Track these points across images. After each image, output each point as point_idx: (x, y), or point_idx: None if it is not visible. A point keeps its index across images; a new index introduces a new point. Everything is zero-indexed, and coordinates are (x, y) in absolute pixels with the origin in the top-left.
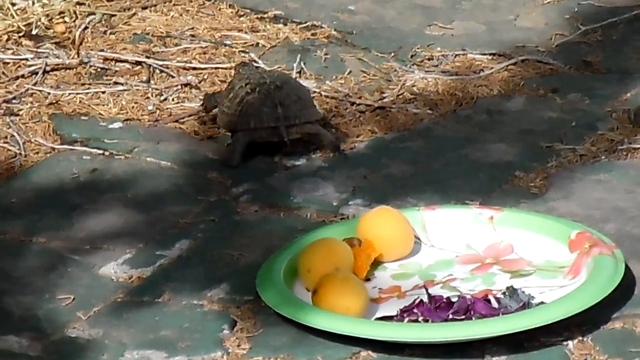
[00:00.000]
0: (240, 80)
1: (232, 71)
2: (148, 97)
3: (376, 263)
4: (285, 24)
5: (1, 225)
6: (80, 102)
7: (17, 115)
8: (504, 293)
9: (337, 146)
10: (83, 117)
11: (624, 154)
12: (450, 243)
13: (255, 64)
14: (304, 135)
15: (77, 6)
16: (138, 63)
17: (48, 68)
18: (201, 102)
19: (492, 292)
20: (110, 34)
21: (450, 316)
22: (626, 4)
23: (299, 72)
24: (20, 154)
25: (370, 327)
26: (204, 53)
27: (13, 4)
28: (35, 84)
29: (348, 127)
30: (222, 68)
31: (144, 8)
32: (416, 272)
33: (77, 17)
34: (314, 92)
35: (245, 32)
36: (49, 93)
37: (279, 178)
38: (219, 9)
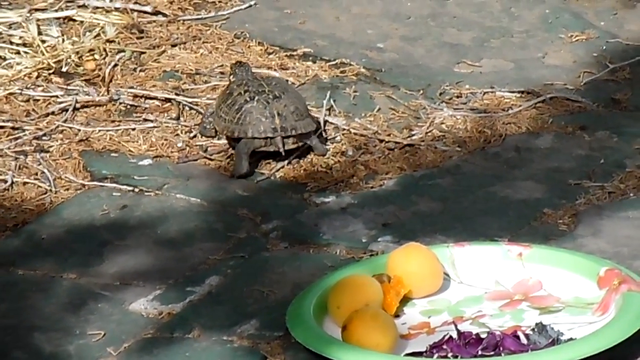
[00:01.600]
0: (239, 87)
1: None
2: (178, 134)
3: (405, 299)
4: (314, 62)
5: (32, 261)
6: (110, 139)
7: (48, 152)
8: (533, 329)
9: (324, 155)
10: (113, 154)
11: None
12: (479, 279)
13: (251, 66)
14: (300, 145)
15: (107, 44)
16: (168, 100)
17: (78, 105)
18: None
19: (521, 328)
20: (140, 71)
21: (480, 352)
22: None
23: (328, 110)
24: (50, 190)
25: None
26: None
27: (43, 41)
28: (65, 121)
29: (377, 164)
30: None
31: (174, 45)
32: (445, 309)
33: (107, 55)
34: (343, 129)
35: (275, 70)
36: (79, 130)
37: (309, 215)
38: (248, 47)
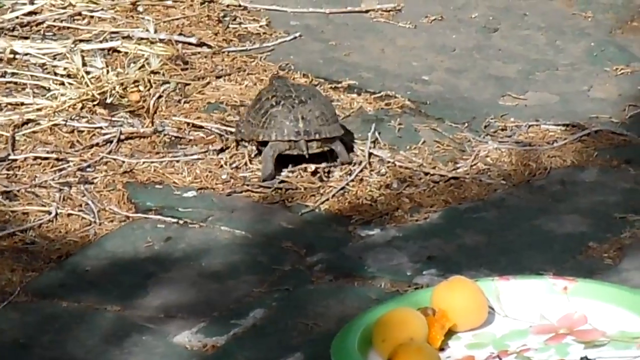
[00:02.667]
0: (268, 92)
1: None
2: (222, 166)
3: (450, 333)
4: (359, 94)
5: (76, 293)
6: (154, 170)
7: (92, 183)
8: None
9: (349, 163)
10: (157, 186)
11: None
12: (524, 313)
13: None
14: (324, 149)
15: (152, 75)
16: (212, 132)
17: (122, 136)
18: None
19: None
20: (185, 102)
21: None
22: None
23: (373, 142)
24: (94, 222)
25: None
26: None
27: (88, 73)
28: (109, 153)
29: (422, 197)
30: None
31: (218, 77)
32: (490, 342)
33: (151, 86)
34: (388, 162)
35: None
36: (123, 161)
37: (353, 247)
38: (293, 78)
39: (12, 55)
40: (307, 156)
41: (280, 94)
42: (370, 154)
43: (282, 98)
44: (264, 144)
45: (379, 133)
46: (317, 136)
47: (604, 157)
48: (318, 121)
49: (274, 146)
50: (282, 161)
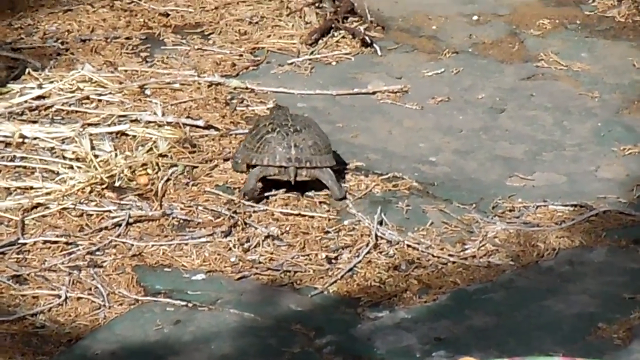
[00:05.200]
0: (266, 120)
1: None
2: (230, 249)
3: None
4: (366, 175)
5: None
6: (163, 253)
7: (101, 267)
8: None
9: (342, 198)
10: (166, 269)
11: None
12: None
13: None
14: (313, 178)
15: (160, 158)
16: (220, 215)
17: (131, 220)
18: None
19: None
20: (193, 185)
21: None
22: None
23: (380, 223)
24: (104, 305)
25: None
26: (286, 204)
27: (96, 156)
28: (118, 236)
29: (430, 278)
30: (304, 215)
31: (226, 160)
32: None
33: (159, 169)
34: (396, 243)
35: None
36: (132, 245)
37: (362, 329)
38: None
39: (21, 140)
40: (293, 183)
41: (277, 122)
42: (377, 236)
43: (278, 126)
44: (255, 167)
45: (386, 214)
46: (307, 164)
47: (612, 238)
48: (310, 150)
49: (263, 169)
50: (268, 184)
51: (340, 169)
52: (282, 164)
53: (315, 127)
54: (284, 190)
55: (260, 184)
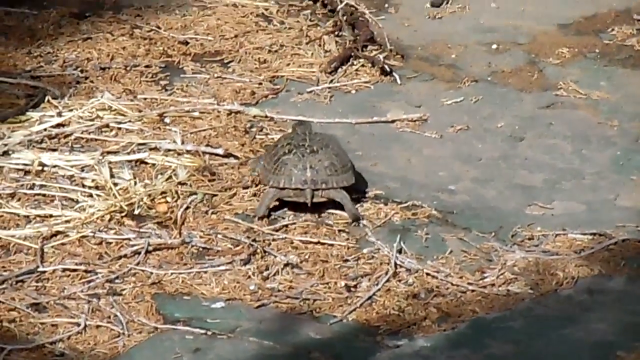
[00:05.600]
0: (285, 139)
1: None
2: (250, 277)
3: None
4: (386, 204)
5: None
6: (182, 281)
7: (120, 295)
8: None
9: (358, 218)
10: (185, 297)
11: None
12: None
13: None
14: (330, 199)
15: (179, 186)
16: (239, 242)
17: (150, 248)
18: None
19: None
20: (212, 213)
21: None
22: None
23: (399, 251)
24: (123, 333)
25: None
26: (305, 232)
27: (115, 184)
28: (138, 264)
29: (449, 307)
30: (323, 243)
31: (245, 188)
32: None
33: (178, 197)
34: (416, 269)
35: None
36: (151, 273)
37: (381, 358)
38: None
39: (40, 168)
40: (309, 204)
41: (295, 142)
42: (396, 265)
43: (295, 146)
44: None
45: (405, 243)
46: (323, 186)
47: (631, 266)
48: (326, 171)
49: (278, 191)
50: (285, 204)
51: (358, 197)
52: (297, 187)
53: (334, 145)
54: (303, 218)
55: (275, 203)
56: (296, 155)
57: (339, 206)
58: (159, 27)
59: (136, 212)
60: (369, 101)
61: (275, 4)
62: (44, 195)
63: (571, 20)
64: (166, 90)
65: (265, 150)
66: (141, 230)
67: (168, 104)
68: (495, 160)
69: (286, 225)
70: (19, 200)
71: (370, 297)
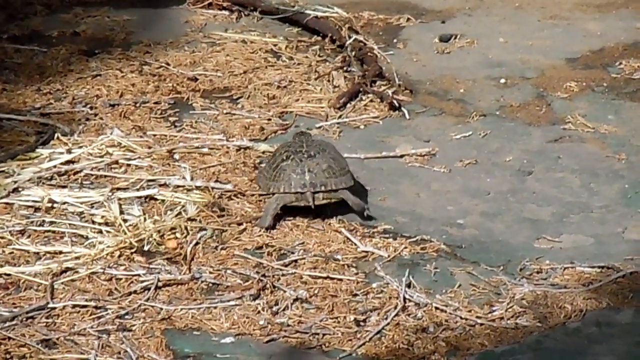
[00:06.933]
0: (283, 147)
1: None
2: (259, 312)
3: None
4: (394, 238)
5: None
6: (192, 317)
7: (130, 330)
8: None
9: (363, 208)
10: (195, 332)
11: None
12: None
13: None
14: (331, 200)
15: (188, 222)
16: (249, 278)
17: (160, 283)
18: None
19: None
20: (222, 249)
21: None
22: None
23: (408, 285)
24: None
25: None
26: (314, 267)
27: (125, 220)
28: (147, 300)
29: (458, 340)
30: (332, 278)
31: (254, 220)
32: None
33: (188, 233)
34: (425, 303)
35: (355, 246)
36: (161, 308)
37: None
38: (329, 224)
39: (50, 204)
40: (313, 207)
41: (293, 149)
42: (405, 299)
43: (292, 153)
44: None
45: (414, 277)
46: (322, 188)
47: (639, 299)
48: (325, 174)
49: (280, 198)
50: (290, 211)
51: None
52: (297, 190)
53: (330, 150)
54: (312, 253)
55: (279, 212)
56: (294, 161)
57: (343, 207)
58: (168, 64)
59: (146, 248)
60: (377, 136)
61: (284, 40)
62: (53, 231)
63: (579, 54)
64: (175, 126)
65: (266, 159)
66: (151, 266)
67: (177, 140)
68: (504, 194)
69: (295, 261)
70: (29, 237)
71: (379, 332)
